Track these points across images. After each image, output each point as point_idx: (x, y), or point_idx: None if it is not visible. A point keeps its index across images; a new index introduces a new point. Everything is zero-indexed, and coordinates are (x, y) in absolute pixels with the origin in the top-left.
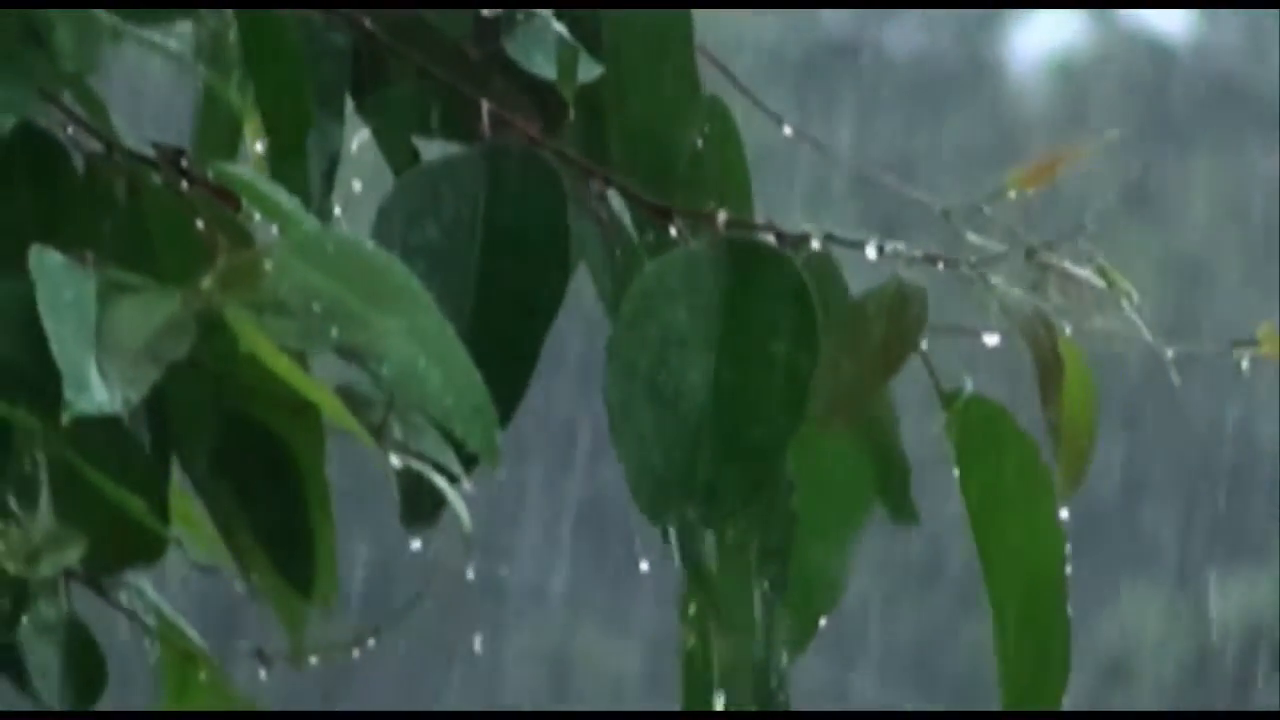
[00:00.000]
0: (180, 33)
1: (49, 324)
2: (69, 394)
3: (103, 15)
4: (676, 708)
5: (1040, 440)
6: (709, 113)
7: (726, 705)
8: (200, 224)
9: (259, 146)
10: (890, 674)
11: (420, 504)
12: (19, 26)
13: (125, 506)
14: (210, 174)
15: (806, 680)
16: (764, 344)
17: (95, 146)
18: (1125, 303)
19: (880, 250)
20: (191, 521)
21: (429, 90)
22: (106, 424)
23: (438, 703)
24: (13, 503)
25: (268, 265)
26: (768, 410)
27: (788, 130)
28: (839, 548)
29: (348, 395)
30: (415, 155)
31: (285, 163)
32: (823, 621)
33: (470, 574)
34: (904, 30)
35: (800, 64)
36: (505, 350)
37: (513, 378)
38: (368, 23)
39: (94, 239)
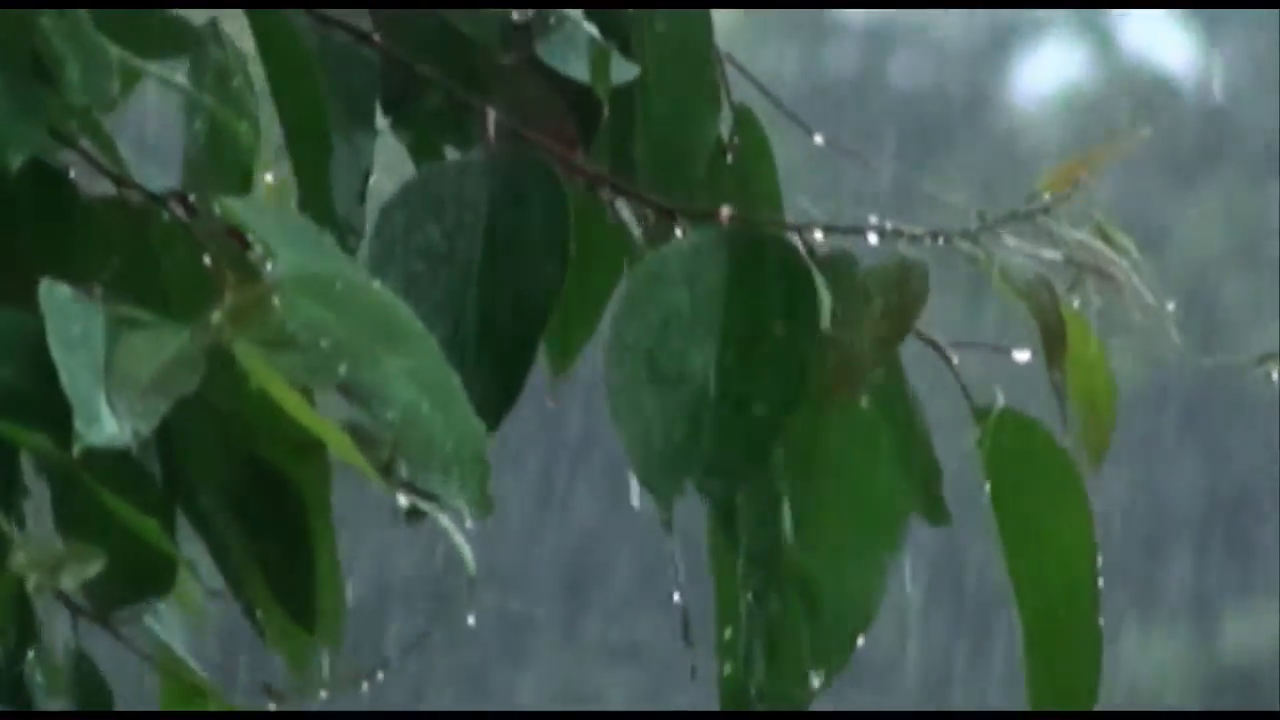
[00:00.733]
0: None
1: (58, 357)
2: (79, 426)
3: (112, 49)
4: None
5: (1051, 425)
6: (739, 122)
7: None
8: (208, 259)
9: (269, 178)
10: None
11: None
12: (29, 63)
13: (139, 530)
14: (217, 209)
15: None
16: (766, 326)
17: (105, 182)
18: (1151, 301)
19: (881, 234)
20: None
21: (459, 103)
22: (117, 457)
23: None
24: (30, 521)
25: (276, 301)
26: (769, 389)
27: (819, 139)
28: (874, 566)
29: (354, 432)
30: None
31: (309, 183)
32: (860, 641)
33: (471, 620)
34: (908, 63)
35: (804, 97)
36: (503, 350)
37: (508, 378)
38: (384, 37)
39: (103, 274)
